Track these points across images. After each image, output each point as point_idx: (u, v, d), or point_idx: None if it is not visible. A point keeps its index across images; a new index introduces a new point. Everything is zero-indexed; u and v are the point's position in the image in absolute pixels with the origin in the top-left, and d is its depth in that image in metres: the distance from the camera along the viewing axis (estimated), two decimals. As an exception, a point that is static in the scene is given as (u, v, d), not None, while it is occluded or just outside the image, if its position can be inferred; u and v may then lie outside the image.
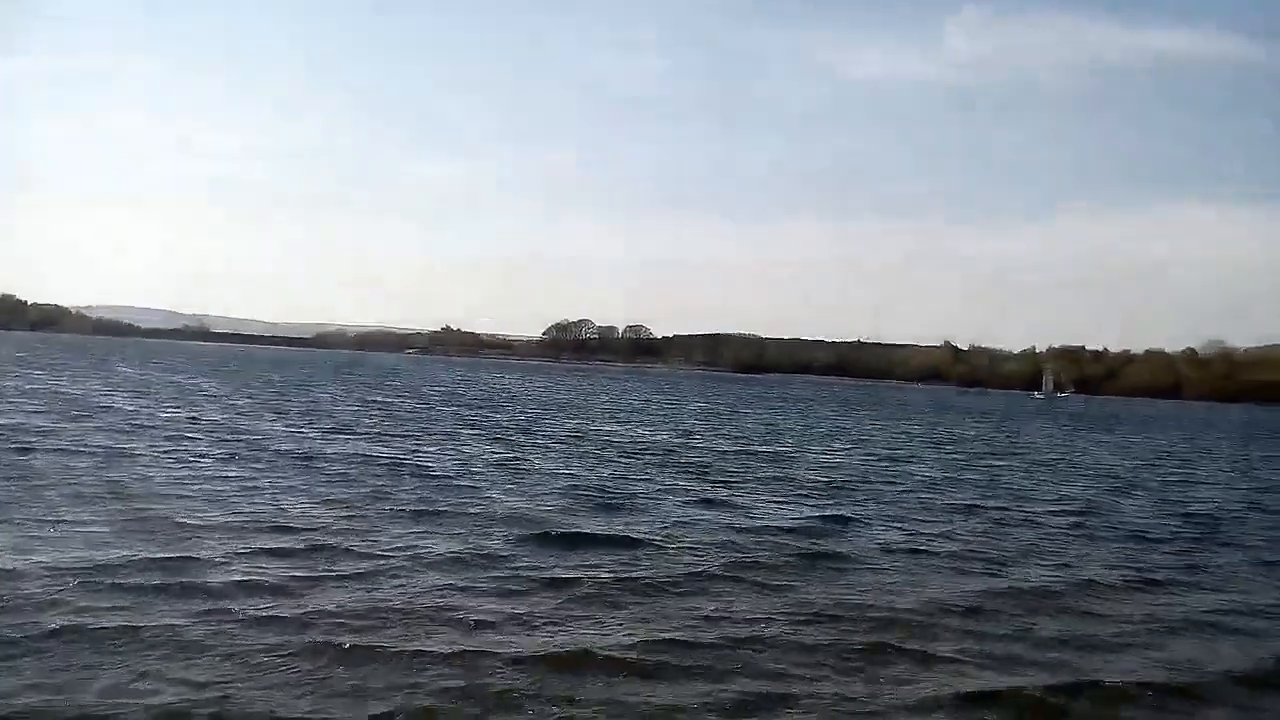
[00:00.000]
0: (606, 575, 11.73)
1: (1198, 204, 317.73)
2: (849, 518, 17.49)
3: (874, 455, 32.17)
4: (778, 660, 8.94)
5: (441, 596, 10.36)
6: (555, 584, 11.19)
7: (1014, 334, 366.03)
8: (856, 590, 11.88)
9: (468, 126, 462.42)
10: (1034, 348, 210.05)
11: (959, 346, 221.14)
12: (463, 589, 10.72)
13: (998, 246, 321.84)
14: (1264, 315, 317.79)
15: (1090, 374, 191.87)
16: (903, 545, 15.03)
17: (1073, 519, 19.14)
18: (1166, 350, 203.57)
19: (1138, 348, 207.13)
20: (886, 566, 13.41)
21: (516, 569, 11.85)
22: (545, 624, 9.63)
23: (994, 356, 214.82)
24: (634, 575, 11.89)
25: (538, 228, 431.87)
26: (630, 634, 9.41)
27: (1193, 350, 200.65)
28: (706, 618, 10.19)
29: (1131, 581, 13.33)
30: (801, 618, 10.35)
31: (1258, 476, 32.99)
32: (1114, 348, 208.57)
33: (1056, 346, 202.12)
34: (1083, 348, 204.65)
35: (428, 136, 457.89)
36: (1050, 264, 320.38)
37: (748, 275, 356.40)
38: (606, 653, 8.72)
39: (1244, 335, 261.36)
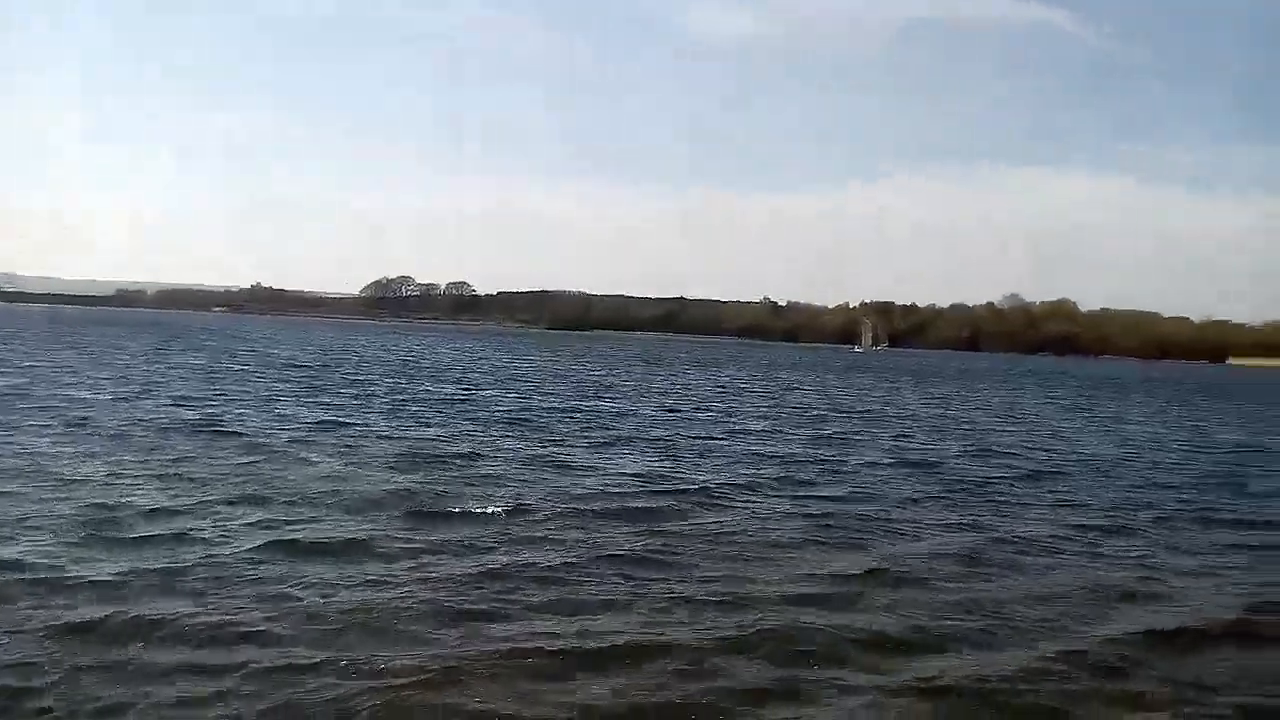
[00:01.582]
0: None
1: (1004, 167, 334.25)
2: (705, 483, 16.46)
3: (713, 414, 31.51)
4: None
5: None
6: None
7: (829, 291, 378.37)
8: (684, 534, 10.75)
9: (275, 73, 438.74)
10: (848, 304, 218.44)
11: (778, 303, 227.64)
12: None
13: (817, 206, 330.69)
14: (1057, 272, 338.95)
15: (901, 328, 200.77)
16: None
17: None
18: (970, 305, 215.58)
19: (943, 303, 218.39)
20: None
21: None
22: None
23: (811, 312, 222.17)
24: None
25: (358, 183, 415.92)
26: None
27: (993, 305, 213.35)
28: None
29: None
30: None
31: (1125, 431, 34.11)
32: (922, 303, 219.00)
33: (869, 302, 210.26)
34: (893, 303, 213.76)
35: (228, 85, 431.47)
36: (864, 223, 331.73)
37: (574, 233, 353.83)
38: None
39: (1040, 291, 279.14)
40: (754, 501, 14.62)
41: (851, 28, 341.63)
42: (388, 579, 9.24)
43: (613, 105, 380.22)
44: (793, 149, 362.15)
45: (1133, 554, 12.36)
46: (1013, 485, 17.81)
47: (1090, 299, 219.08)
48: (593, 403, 32.11)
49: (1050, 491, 17.16)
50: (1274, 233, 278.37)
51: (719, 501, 14.44)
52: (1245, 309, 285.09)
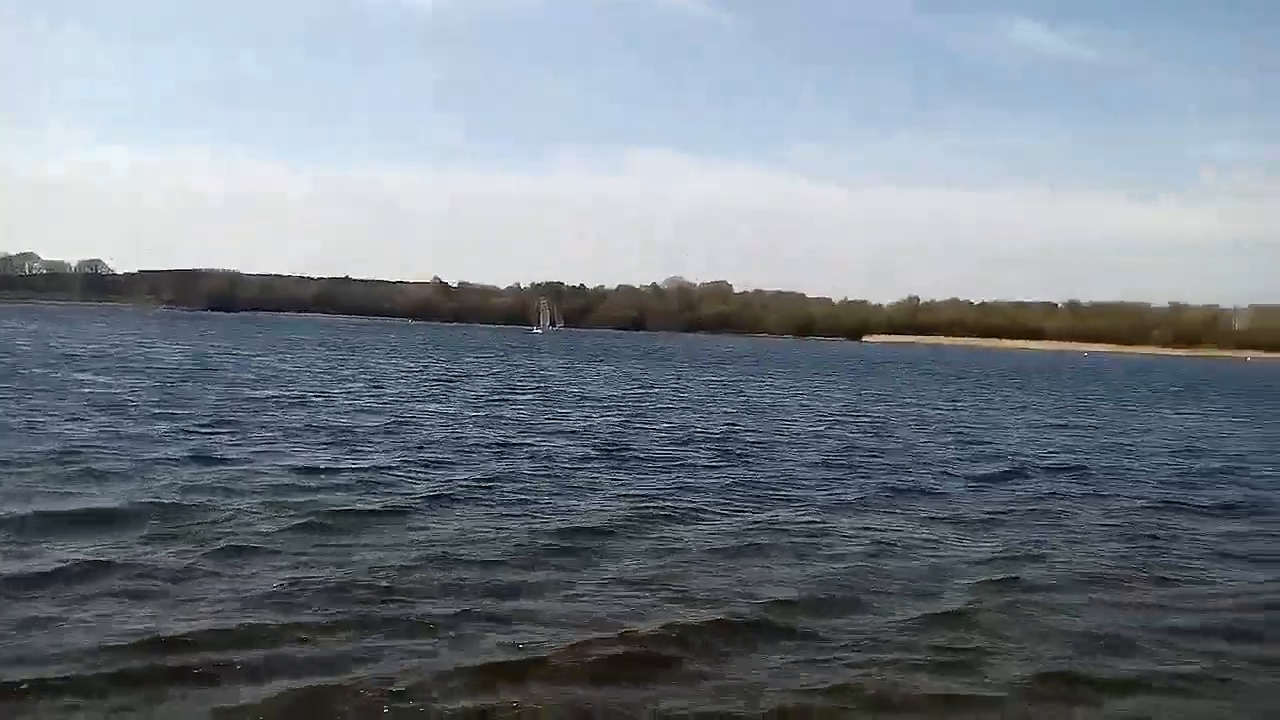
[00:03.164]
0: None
1: (669, 152, 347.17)
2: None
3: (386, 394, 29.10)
4: None
5: None
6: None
7: (500, 272, 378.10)
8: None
9: None
10: (519, 284, 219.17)
11: (448, 283, 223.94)
12: None
13: (487, 187, 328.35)
14: (713, 254, 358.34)
15: (571, 307, 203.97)
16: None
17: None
18: (635, 285, 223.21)
19: (611, 284, 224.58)
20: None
21: None
22: None
23: (483, 292, 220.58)
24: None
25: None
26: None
27: (657, 286, 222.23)
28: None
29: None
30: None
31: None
32: (590, 284, 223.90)
33: (540, 283, 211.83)
34: (563, 284, 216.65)
35: None
36: (533, 204, 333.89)
37: (230, 209, 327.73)
38: None
39: (699, 273, 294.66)
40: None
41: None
42: None
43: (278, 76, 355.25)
44: (465, 130, 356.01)
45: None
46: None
47: (745, 282, 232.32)
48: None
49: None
50: (882, 223, 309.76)
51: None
52: (884, 291, 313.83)
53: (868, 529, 12.34)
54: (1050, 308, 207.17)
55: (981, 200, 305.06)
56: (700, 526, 11.98)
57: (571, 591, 8.92)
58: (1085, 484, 17.07)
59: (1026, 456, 20.47)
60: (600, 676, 6.96)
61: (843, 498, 14.49)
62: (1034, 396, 43.79)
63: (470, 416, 23.54)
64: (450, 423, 21.87)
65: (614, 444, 19.22)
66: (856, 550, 11.10)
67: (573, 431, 21.13)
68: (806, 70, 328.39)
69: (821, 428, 24.88)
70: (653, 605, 8.63)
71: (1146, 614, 9.21)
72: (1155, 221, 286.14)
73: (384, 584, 8.73)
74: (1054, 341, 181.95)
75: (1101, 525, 13.36)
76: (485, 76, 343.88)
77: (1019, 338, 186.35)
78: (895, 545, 11.49)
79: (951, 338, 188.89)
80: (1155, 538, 12.66)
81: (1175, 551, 11.96)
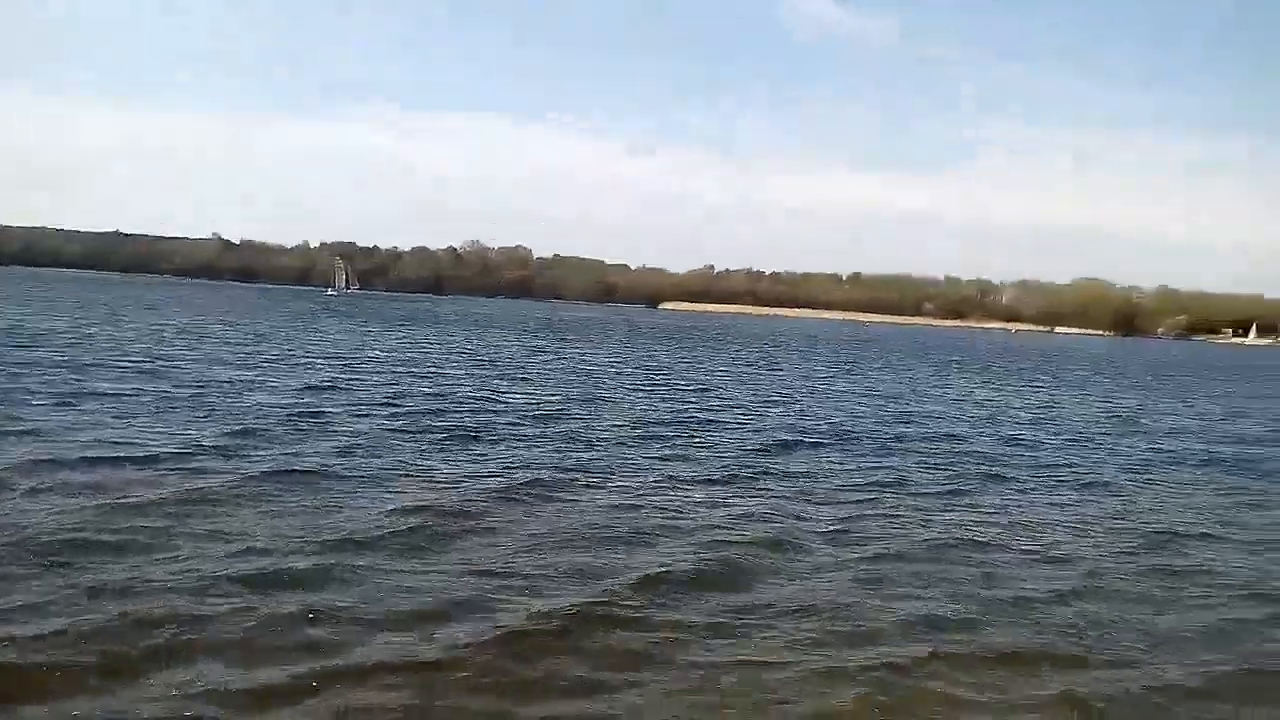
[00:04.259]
0: None
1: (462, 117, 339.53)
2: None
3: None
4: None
5: None
6: None
7: (287, 229, 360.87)
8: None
9: None
10: (308, 243, 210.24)
11: (231, 240, 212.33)
12: None
13: (272, 139, 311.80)
14: (516, 221, 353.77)
15: (363, 269, 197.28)
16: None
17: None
18: (430, 248, 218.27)
19: (405, 245, 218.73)
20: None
21: None
22: None
23: (269, 251, 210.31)
24: None
25: None
26: None
27: (454, 249, 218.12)
28: None
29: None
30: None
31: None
32: (384, 245, 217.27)
33: (331, 243, 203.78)
34: (355, 244, 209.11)
35: None
36: (323, 161, 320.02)
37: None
38: None
39: (500, 237, 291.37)
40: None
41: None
42: None
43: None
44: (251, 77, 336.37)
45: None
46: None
47: (545, 248, 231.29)
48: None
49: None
50: (683, 194, 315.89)
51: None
52: (682, 260, 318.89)
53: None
54: (836, 279, 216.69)
55: (769, 171, 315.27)
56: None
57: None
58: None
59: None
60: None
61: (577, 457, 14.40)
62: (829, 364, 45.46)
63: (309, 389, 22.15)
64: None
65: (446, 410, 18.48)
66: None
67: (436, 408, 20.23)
68: (621, 34, 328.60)
69: (638, 397, 24.89)
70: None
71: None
72: (931, 199, 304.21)
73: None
74: (839, 311, 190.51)
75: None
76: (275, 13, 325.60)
77: (806, 307, 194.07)
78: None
79: (744, 306, 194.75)
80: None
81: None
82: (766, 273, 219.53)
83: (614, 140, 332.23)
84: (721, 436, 17.93)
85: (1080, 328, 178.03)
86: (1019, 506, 13.25)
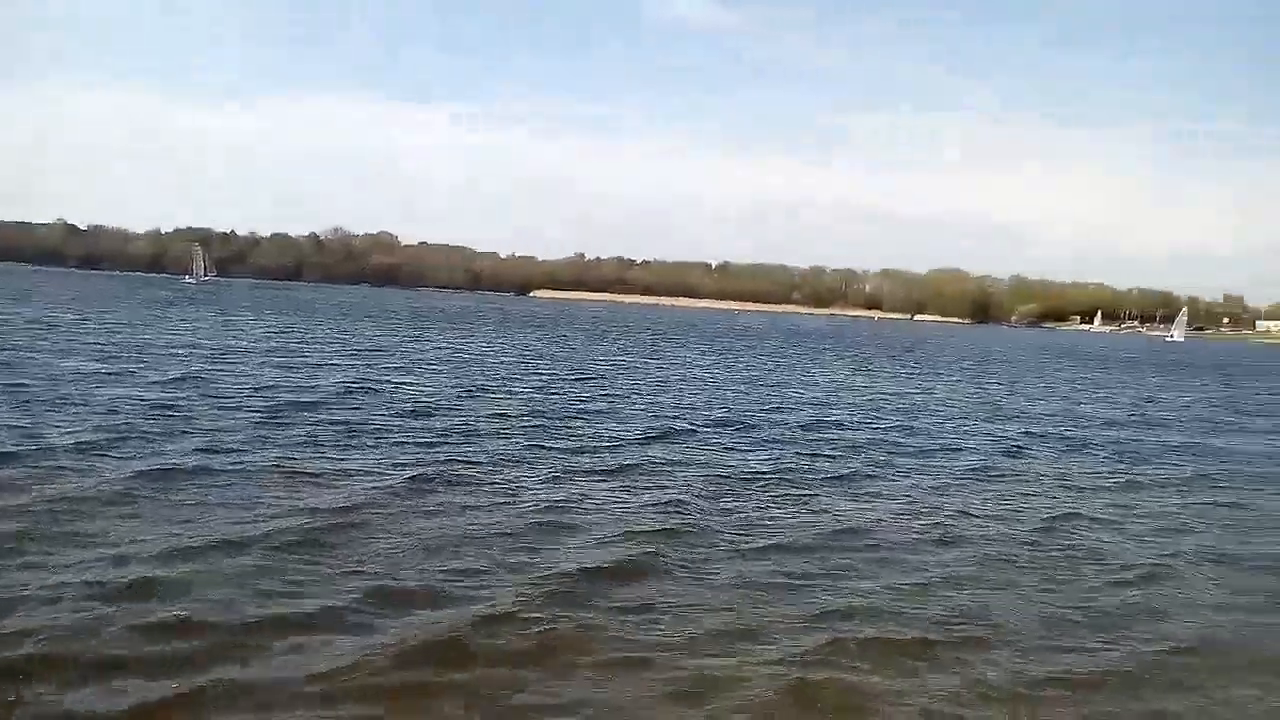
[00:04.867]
0: None
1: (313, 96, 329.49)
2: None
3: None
4: None
5: None
6: None
7: (135, 215, 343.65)
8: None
9: None
10: (159, 229, 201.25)
11: (78, 225, 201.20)
12: None
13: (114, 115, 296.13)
14: (382, 206, 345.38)
15: (219, 256, 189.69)
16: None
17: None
18: (292, 235, 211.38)
19: (264, 231, 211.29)
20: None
21: None
22: None
23: (119, 237, 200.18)
24: None
25: None
26: None
27: (316, 235, 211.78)
28: None
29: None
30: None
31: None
32: (241, 231, 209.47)
33: (182, 228, 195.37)
34: (211, 230, 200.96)
35: None
36: (177, 142, 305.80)
37: None
38: None
39: (363, 224, 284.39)
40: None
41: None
42: None
43: None
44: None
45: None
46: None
47: (410, 235, 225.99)
48: None
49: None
50: (551, 179, 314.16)
51: None
52: (553, 249, 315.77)
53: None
54: (705, 268, 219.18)
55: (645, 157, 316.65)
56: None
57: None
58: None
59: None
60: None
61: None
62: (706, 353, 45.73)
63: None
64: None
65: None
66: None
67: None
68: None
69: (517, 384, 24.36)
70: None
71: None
72: (800, 187, 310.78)
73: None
74: (710, 300, 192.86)
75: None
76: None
77: (678, 295, 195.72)
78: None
79: (616, 295, 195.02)
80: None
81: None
82: (638, 261, 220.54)
83: (484, 126, 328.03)
84: (609, 427, 17.65)
85: (940, 315, 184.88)
86: (906, 491, 13.39)
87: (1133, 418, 25.93)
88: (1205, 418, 27.22)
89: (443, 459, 13.36)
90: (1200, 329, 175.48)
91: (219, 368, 23.61)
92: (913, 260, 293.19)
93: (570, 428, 17.20)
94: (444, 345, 38.48)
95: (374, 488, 11.30)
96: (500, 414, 18.26)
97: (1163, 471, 16.71)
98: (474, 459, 13.54)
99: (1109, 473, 16.26)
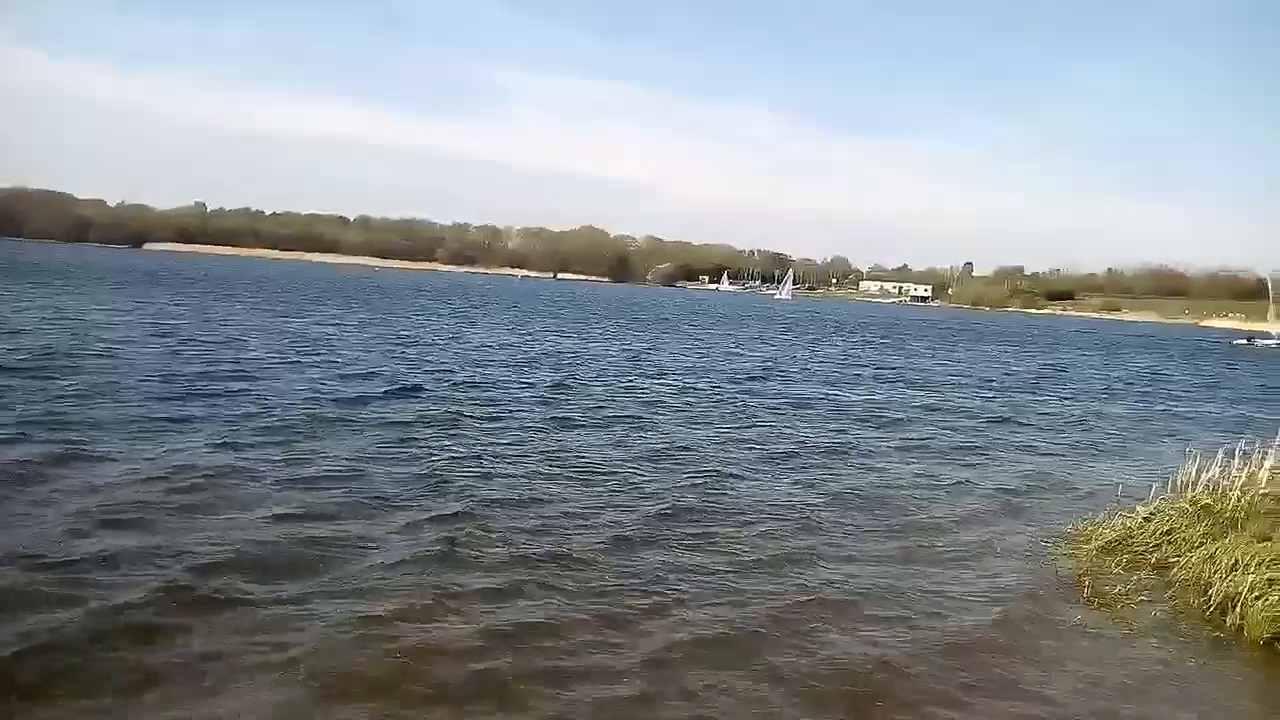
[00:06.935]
0: None
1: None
2: None
3: None
4: None
5: None
6: None
7: None
8: None
9: None
10: None
11: None
12: None
13: None
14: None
15: None
16: None
17: None
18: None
19: None
20: None
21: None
22: None
23: None
24: None
25: None
26: None
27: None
28: None
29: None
30: None
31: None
32: None
33: None
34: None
35: None
36: None
37: None
38: None
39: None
40: None
41: None
42: None
43: None
44: None
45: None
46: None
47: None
48: None
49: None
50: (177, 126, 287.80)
51: None
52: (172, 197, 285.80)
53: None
54: (344, 222, 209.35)
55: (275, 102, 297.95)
56: None
57: None
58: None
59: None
60: None
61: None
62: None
63: None
64: None
65: None
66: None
67: None
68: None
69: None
70: None
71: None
72: (443, 144, 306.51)
73: None
74: (349, 256, 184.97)
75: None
76: None
77: (315, 250, 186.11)
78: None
79: (244, 249, 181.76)
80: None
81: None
82: (268, 213, 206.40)
83: (93, 55, 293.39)
84: (261, 390, 16.28)
85: (583, 273, 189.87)
86: (600, 451, 13.45)
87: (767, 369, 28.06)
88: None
89: (46, 436, 11.54)
90: (811, 288, 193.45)
91: None
92: (558, 217, 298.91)
93: (224, 395, 15.59)
94: (47, 305, 33.51)
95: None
96: (135, 381, 16.18)
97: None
98: (107, 435, 11.85)
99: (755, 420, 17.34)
